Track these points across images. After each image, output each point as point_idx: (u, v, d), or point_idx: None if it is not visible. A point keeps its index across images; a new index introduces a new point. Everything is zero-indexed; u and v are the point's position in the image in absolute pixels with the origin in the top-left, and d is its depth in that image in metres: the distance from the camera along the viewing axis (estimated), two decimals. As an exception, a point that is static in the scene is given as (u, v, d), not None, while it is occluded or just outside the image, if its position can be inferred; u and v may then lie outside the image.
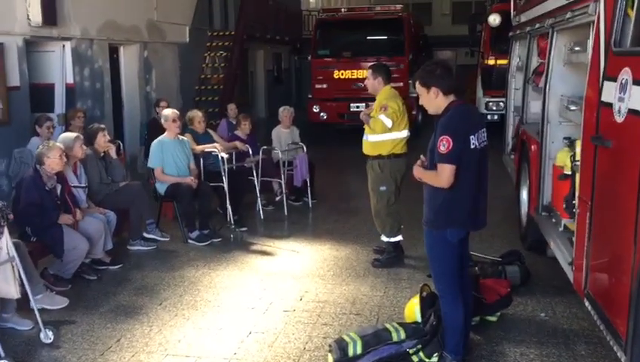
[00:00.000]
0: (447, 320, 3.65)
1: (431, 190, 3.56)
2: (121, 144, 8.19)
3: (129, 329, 4.39)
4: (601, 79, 3.47)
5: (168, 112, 6.71)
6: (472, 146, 3.43)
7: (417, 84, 3.59)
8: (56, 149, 5.07)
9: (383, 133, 5.41)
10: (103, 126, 6.27)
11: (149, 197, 6.56)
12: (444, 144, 3.36)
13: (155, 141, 6.63)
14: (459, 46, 21.83)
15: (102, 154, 6.13)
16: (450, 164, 3.37)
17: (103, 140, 6.10)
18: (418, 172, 3.61)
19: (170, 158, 6.54)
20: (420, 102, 3.62)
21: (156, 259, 6.01)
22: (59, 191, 5.18)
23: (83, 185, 5.63)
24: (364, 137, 5.57)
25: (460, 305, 3.60)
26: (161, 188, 6.60)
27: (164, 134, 6.65)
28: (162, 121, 6.74)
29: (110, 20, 10.12)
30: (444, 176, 3.40)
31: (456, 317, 3.60)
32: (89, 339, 4.25)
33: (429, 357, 3.70)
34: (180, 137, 6.77)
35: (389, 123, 5.38)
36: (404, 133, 5.50)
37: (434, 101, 3.54)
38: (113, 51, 10.73)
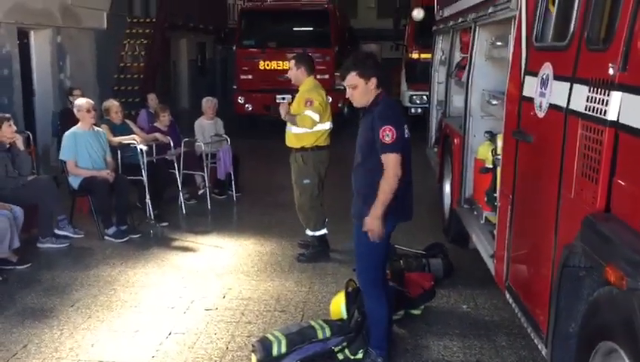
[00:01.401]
0: (372, 316, 3.61)
1: (364, 180, 3.49)
2: (30, 135, 7.69)
3: (37, 334, 4.09)
4: (522, 74, 3.51)
5: (82, 102, 6.34)
6: (406, 135, 3.45)
7: (354, 76, 3.42)
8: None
9: (313, 127, 5.31)
10: (8, 115, 5.84)
11: (62, 191, 6.18)
12: (388, 134, 3.31)
13: (68, 132, 6.25)
14: (384, 39, 22.01)
15: (7, 145, 5.71)
16: (396, 153, 3.33)
17: (8, 131, 5.68)
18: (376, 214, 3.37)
19: (84, 150, 6.18)
20: (350, 95, 3.47)
21: (69, 258, 5.66)
22: (-42, 186, 4.78)
23: (-16, 179, 5.22)
24: (287, 128, 5.46)
25: (384, 299, 3.57)
26: (75, 182, 6.24)
27: (78, 125, 6.28)
28: (75, 111, 6.36)
29: (19, 2, 9.46)
30: (393, 166, 3.33)
31: (381, 311, 3.57)
32: (-9, 346, 3.92)
33: (355, 354, 3.64)
34: (96, 128, 6.42)
35: (317, 117, 5.31)
36: (327, 125, 5.44)
37: (370, 92, 3.45)
38: (23, 36, 10.06)
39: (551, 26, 3.21)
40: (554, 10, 3.18)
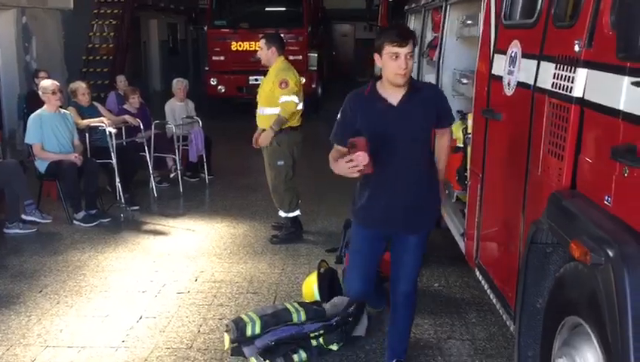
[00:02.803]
0: (410, 325, 3.39)
1: (427, 178, 3.10)
2: (-5, 118, 7.51)
3: (4, 321, 4.01)
4: (491, 52, 3.51)
5: (47, 83, 6.18)
6: None
7: (411, 44, 2.90)
8: None
9: (295, 106, 5.28)
10: (-30, 98, 5.68)
11: (29, 175, 6.06)
12: None
13: (33, 115, 6.11)
14: (357, 20, 21.92)
15: (-29, 129, 5.56)
16: None
17: (-29, 114, 5.52)
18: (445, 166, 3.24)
19: (50, 133, 6.04)
20: (406, 65, 2.85)
21: (37, 243, 5.56)
22: None
23: (-53, 163, 5.08)
24: (259, 110, 5.40)
25: None
26: (42, 166, 6.11)
27: (44, 107, 6.12)
28: (41, 93, 6.21)
29: (-19, -18, 9.20)
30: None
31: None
32: (-44, 334, 3.84)
33: (328, 344, 3.61)
34: (62, 111, 6.27)
35: (296, 98, 5.28)
36: (300, 106, 5.39)
37: None
38: (-14, 16, 9.78)
39: (519, 4, 3.20)
40: (522, -13, 3.17)
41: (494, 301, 3.36)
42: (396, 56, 2.83)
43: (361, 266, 3.28)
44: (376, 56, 2.92)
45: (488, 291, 3.48)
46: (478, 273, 3.71)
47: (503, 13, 3.37)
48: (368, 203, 3.09)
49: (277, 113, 5.28)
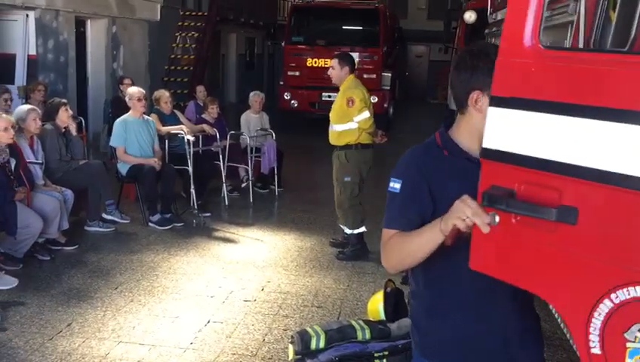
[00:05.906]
0: None
1: None
2: (83, 121, 7.91)
3: (81, 314, 4.22)
4: (577, 80, 3.42)
5: (134, 90, 6.49)
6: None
7: None
8: (1, 121, 4.81)
9: (371, 119, 5.40)
10: (64, 101, 6.03)
11: (110, 176, 6.35)
12: None
13: (119, 119, 6.41)
14: (433, 41, 21.87)
15: (63, 130, 5.89)
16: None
17: (64, 115, 5.86)
18: None
19: (133, 138, 6.33)
20: None
21: (114, 242, 5.81)
22: (13, 167, 4.95)
23: (39, 161, 5.39)
24: (330, 127, 5.48)
25: None
26: (123, 169, 6.39)
27: (129, 113, 6.43)
28: (127, 99, 6.52)
29: (78, -8, 9.76)
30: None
31: None
32: (38, 323, 4.06)
33: None
34: (145, 117, 6.56)
35: (367, 113, 5.35)
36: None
37: None
38: (80, 24, 10.36)
39: (610, 32, 3.12)
40: (614, 16, 3.09)
41: (567, 336, 3.26)
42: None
43: None
44: (476, 96, 1.80)
45: (562, 325, 3.37)
46: (551, 306, 3.60)
47: (592, 41, 3.30)
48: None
49: (348, 129, 5.37)
